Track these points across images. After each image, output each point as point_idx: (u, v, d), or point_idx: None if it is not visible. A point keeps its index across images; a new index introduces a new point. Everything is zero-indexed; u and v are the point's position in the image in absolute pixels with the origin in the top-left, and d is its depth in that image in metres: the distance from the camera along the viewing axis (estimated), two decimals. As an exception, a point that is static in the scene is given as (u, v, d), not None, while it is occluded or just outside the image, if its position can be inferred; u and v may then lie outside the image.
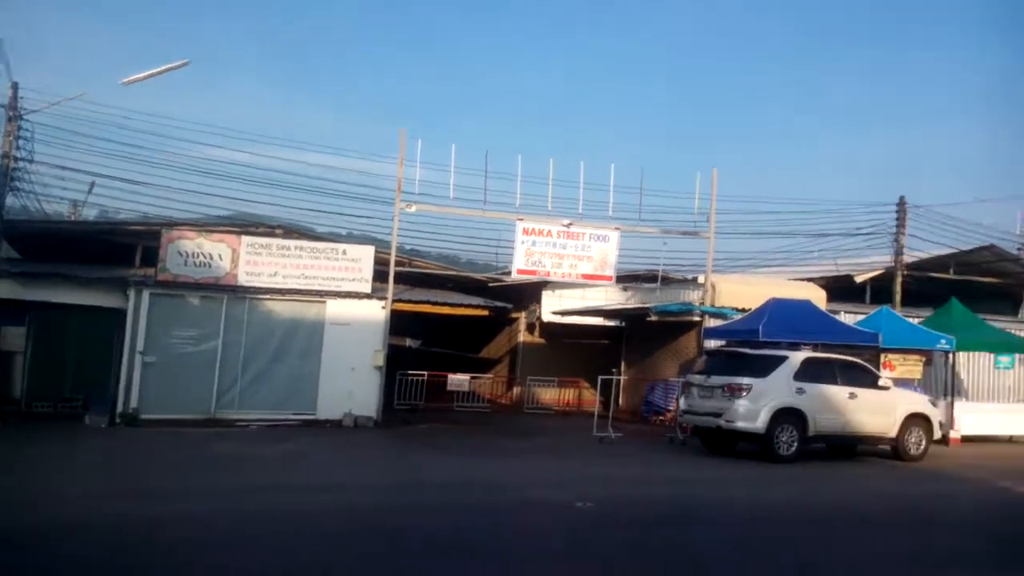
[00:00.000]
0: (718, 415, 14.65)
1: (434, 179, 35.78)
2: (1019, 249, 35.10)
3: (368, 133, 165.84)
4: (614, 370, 20.40)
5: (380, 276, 18.38)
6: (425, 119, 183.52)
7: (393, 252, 18.41)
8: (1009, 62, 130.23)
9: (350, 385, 17.69)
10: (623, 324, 24.36)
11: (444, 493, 10.53)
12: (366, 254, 18.43)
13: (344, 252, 18.29)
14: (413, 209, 18.58)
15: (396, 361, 21.17)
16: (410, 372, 21.17)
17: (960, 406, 19.38)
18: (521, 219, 18.95)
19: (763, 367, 14.74)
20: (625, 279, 23.28)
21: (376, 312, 18.23)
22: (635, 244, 25.26)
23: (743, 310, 18.98)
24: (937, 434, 16.15)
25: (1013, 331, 21.97)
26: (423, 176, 18.85)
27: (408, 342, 29.66)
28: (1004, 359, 20.82)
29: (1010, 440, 19.80)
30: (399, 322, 21.22)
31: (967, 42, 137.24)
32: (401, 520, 8.67)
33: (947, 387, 19.81)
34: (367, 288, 18.19)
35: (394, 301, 18.61)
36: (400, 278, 19.33)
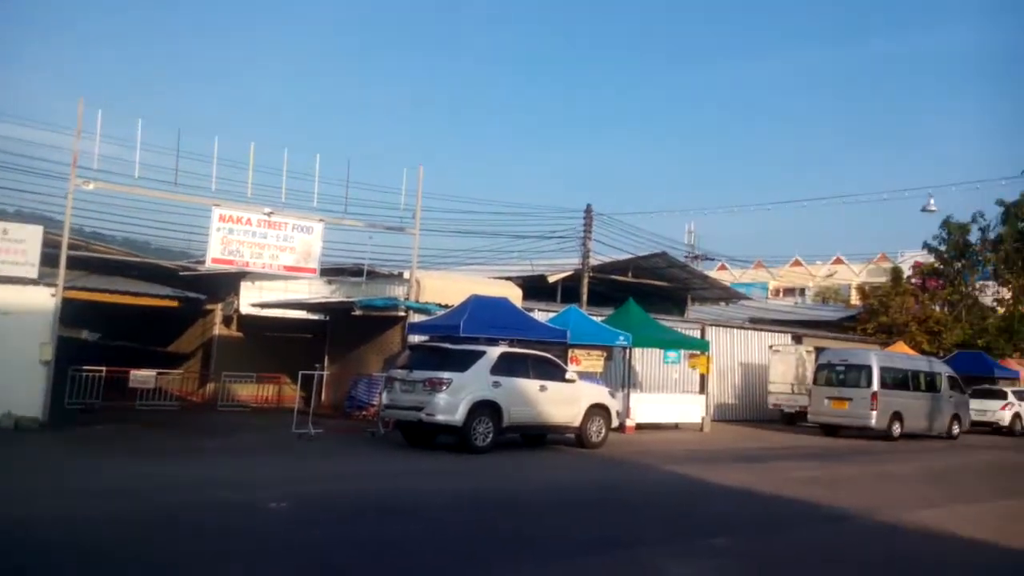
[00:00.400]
0: (419, 409, 14.78)
1: (124, 156, 32.62)
2: (686, 256, 39.55)
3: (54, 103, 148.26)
4: (317, 365, 19.80)
5: (52, 260, 16.34)
6: (117, 91, 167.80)
7: (66, 234, 16.44)
8: (673, 91, 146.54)
9: (9, 381, 15.52)
10: (327, 318, 23.87)
11: (110, 500, 9.45)
12: (32, 235, 16.25)
13: (4, 232, 16.02)
14: (91, 187, 16.74)
15: (72, 356, 18.98)
16: (85, 368, 19.07)
17: (635, 397, 21.28)
18: (218, 204, 17.83)
19: (462, 362, 15.09)
20: (330, 272, 22.82)
21: (44, 301, 16.16)
22: (341, 237, 24.87)
23: (446, 306, 19.36)
24: (615, 422, 17.59)
25: (680, 329, 24.61)
26: (110, 152, 17.06)
27: (85, 334, 26.82)
28: (672, 354, 23.23)
29: (676, 427, 22.11)
30: (75, 312, 19.02)
31: (652, 64, 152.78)
32: (51, 533, 7.65)
33: (624, 380, 21.67)
34: (33, 273, 16.06)
35: (68, 289, 16.63)
36: (77, 263, 17.36)
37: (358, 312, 20.32)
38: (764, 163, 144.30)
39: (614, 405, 17.55)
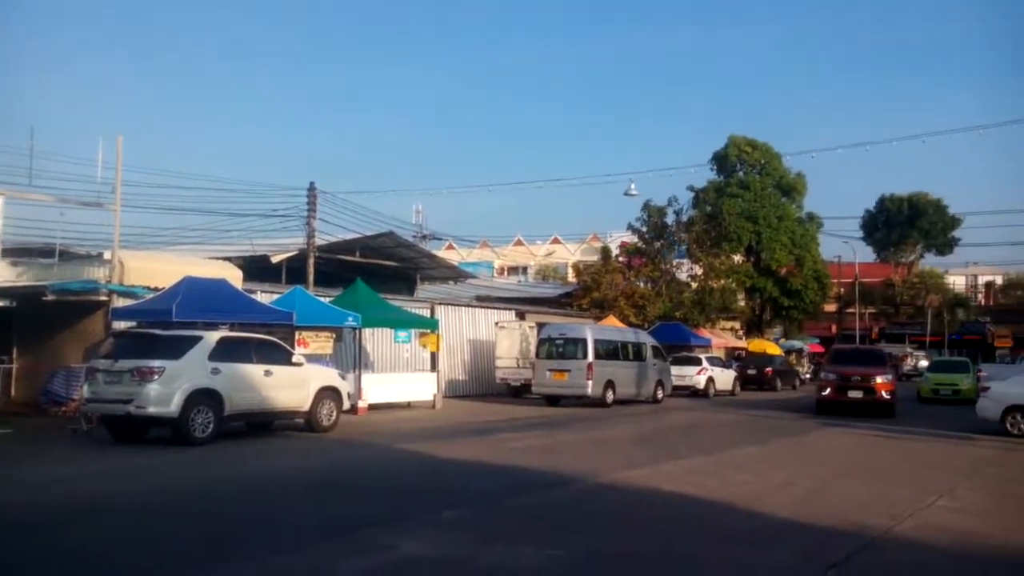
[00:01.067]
0: (127, 401, 13.51)
1: None
2: (414, 236, 39.71)
3: None
4: (4, 358, 17.43)
5: None
6: None
7: None
8: (444, 77, 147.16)
9: None
10: (14, 305, 21.01)
11: None
12: None
13: None
14: None
15: None
16: None
17: (367, 378, 21.01)
18: None
19: (176, 348, 13.97)
20: (15, 253, 20.15)
21: None
22: (27, 213, 22.00)
23: (156, 289, 17.78)
24: (346, 404, 17.22)
25: (410, 309, 24.67)
26: None
27: None
28: (402, 334, 23.20)
29: (408, 406, 22.14)
30: None
31: (379, 41, 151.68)
32: None
33: (355, 360, 21.31)
34: None
35: None
36: None
37: (51, 297, 18.08)
38: (489, 145, 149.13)
39: (345, 387, 17.18)
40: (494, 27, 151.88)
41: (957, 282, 79.03)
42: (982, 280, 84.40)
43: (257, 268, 24.93)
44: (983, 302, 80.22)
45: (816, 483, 11.51)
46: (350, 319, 19.63)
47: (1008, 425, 17.95)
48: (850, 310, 66.44)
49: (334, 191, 28.06)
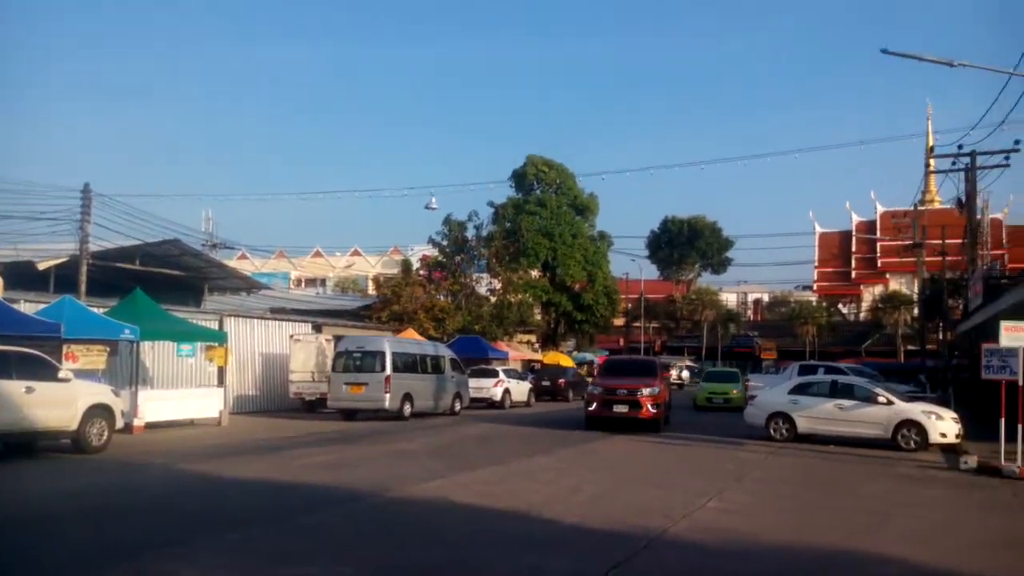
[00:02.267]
0: None
1: None
2: (203, 245, 37.76)
3: None
4: None
5: None
6: None
7: None
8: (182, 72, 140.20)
9: None
10: None
11: None
12: None
13: None
14: None
15: None
16: None
17: (145, 394, 19.60)
18: None
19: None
20: None
21: None
22: None
23: None
24: (120, 423, 15.99)
25: (197, 320, 23.34)
26: None
27: None
28: (186, 347, 21.89)
29: (192, 424, 20.87)
30: None
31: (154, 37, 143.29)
32: None
33: (132, 376, 19.84)
34: None
35: None
36: None
37: None
38: (284, 153, 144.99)
39: (119, 404, 15.93)
40: (291, 27, 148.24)
41: (730, 299, 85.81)
42: (752, 297, 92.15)
43: (21, 275, 22.68)
44: (752, 317, 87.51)
45: (601, 489, 11.99)
46: (127, 331, 18.26)
47: (771, 430, 19.59)
48: (636, 324, 70.28)
49: (113, 194, 26.11)
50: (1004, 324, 15.28)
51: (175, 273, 29.25)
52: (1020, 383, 14.95)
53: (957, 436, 18.09)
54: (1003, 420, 15.08)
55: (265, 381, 27.32)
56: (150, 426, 19.10)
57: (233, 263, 50.77)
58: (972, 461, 15.39)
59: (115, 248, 26.62)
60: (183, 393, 21.83)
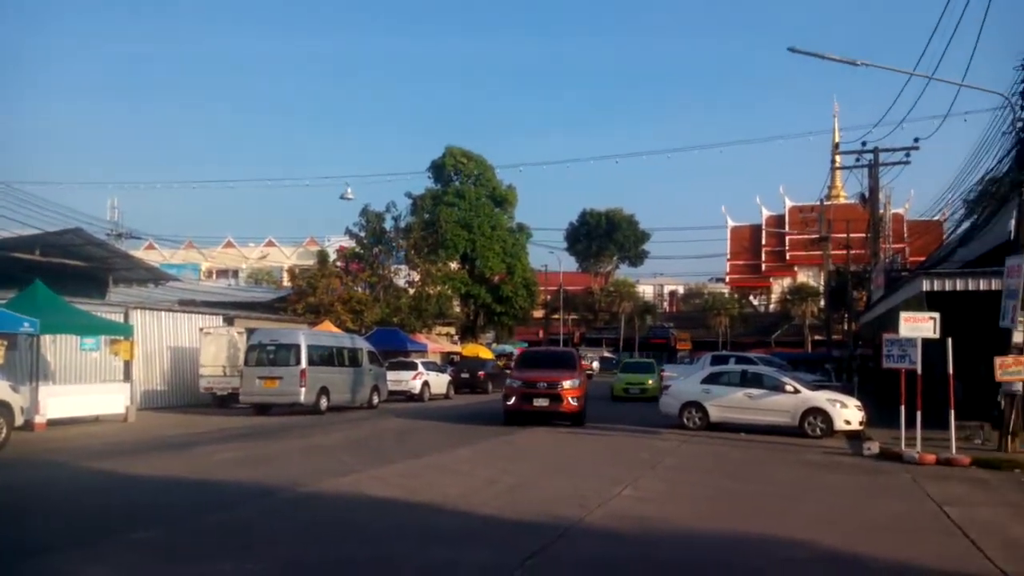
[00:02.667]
0: None
1: None
2: (108, 234, 36.38)
3: None
4: None
5: None
6: None
7: None
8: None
9: None
10: None
11: None
12: None
13: None
14: None
15: None
16: None
17: (46, 389, 18.75)
18: None
19: None
20: None
21: None
22: None
23: None
24: (19, 420, 15.31)
25: (101, 313, 22.44)
26: None
27: None
28: (89, 341, 21.08)
29: (97, 420, 20.08)
30: None
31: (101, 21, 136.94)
32: None
33: (33, 371, 18.97)
34: None
35: None
36: None
37: None
38: (196, 140, 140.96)
39: (17, 401, 15.30)
40: (202, 15, 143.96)
41: (647, 291, 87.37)
42: (668, 289, 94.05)
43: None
44: (668, 309, 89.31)
45: (519, 480, 12.02)
46: (26, 324, 17.42)
47: (685, 419, 20.01)
48: (555, 316, 70.89)
49: (9, 180, 24.86)
50: (903, 315, 15.95)
51: (77, 264, 27.99)
52: (919, 371, 15.64)
53: (861, 423, 18.81)
54: (903, 407, 15.73)
55: (174, 375, 26.50)
56: (52, 423, 18.31)
57: (140, 254, 49.06)
58: (874, 447, 16.02)
59: (12, 237, 25.39)
60: (87, 388, 21.02)
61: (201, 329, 26.65)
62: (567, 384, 20.30)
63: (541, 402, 20.15)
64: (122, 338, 21.09)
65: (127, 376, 21.63)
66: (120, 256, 31.64)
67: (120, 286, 32.65)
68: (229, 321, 28.77)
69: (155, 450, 15.17)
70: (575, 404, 20.26)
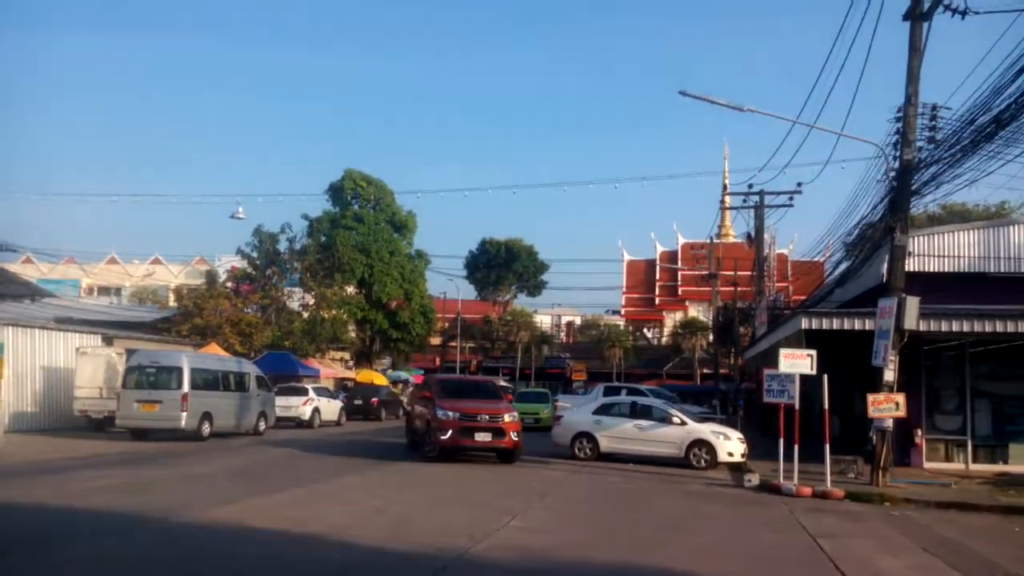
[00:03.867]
0: None
1: None
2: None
3: None
4: None
5: None
6: None
7: None
8: None
9: None
10: None
11: None
12: None
13: None
14: None
15: None
16: None
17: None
18: None
19: None
20: None
21: None
22: None
23: None
24: None
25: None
26: None
27: None
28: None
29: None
30: None
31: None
32: None
33: None
34: None
35: None
36: None
37: None
38: (82, 150, 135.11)
39: None
40: (88, 24, 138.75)
41: (544, 321, 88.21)
42: (564, 320, 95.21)
43: None
44: (565, 339, 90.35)
45: (408, 510, 11.84)
46: None
47: (576, 449, 20.19)
48: (452, 344, 70.66)
49: None
50: (783, 351, 16.60)
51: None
52: (796, 406, 16.27)
53: (743, 455, 19.41)
54: (782, 440, 16.30)
55: (46, 397, 25.06)
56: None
57: (16, 268, 46.52)
58: (755, 479, 16.52)
59: None
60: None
61: (78, 349, 25.34)
62: (507, 418, 18.87)
63: (483, 437, 18.54)
64: (-11, 356, 19.82)
65: (-7, 397, 20.31)
66: (-8, 269, 29.90)
67: (-9, 301, 30.81)
68: (108, 341, 27.49)
69: (21, 475, 14.24)
70: (516, 439, 18.77)
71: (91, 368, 24.54)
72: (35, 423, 24.34)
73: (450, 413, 18.47)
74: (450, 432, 18.33)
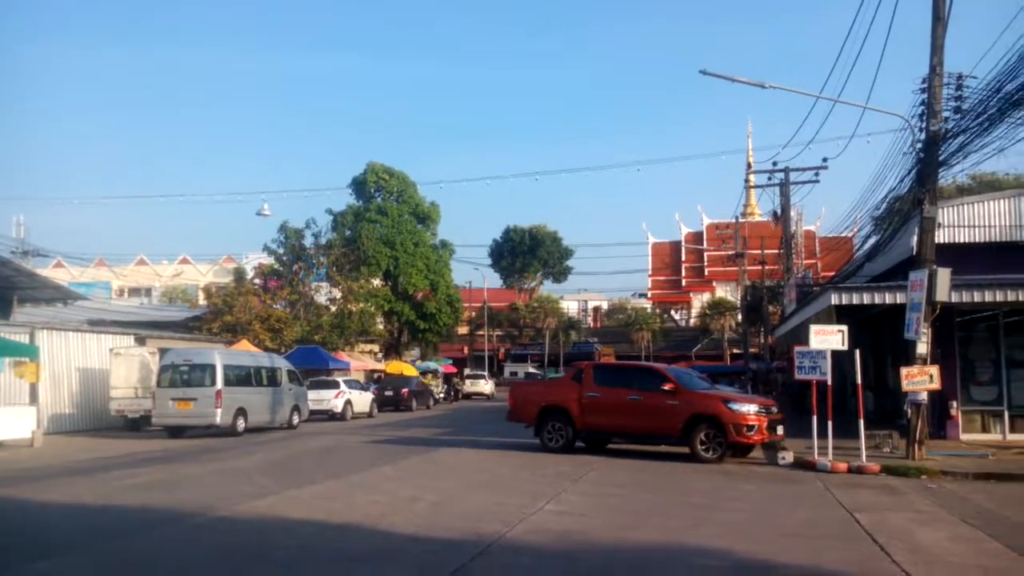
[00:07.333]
0: None
1: None
2: (13, 252, 34.92)
3: None
4: None
5: None
6: None
7: None
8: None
9: None
10: None
11: None
12: None
13: None
14: None
15: None
16: None
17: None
18: None
19: None
20: None
21: None
22: None
23: None
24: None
25: (4, 335, 21.49)
26: None
27: None
28: (-8, 362, 20.17)
29: (0, 445, 19.19)
30: None
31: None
32: None
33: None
34: None
35: None
36: None
37: None
38: (108, 154, 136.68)
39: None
40: (100, 29, 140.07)
41: (571, 306, 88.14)
42: (591, 305, 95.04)
43: None
44: (592, 324, 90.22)
45: (441, 497, 11.92)
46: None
47: (607, 432, 20.11)
48: (480, 332, 70.86)
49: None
50: (813, 328, 16.46)
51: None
52: (829, 382, 16.14)
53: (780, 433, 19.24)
54: (815, 417, 16.20)
55: (83, 398, 25.52)
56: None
57: (48, 272, 47.25)
58: (789, 457, 16.42)
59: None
60: (-13, 412, 20.06)
61: (111, 349, 25.74)
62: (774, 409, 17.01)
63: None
64: (27, 360, 20.26)
65: (33, 399, 20.76)
66: (25, 275, 30.39)
67: (26, 305, 31.34)
68: (141, 341, 27.89)
69: (62, 476, 14.54)
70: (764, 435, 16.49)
71: (125, 368, 24.92)
72: (73, 424, 24.80)
73: (751, 408, 16.63)
74: (756, 428, 16.29)
